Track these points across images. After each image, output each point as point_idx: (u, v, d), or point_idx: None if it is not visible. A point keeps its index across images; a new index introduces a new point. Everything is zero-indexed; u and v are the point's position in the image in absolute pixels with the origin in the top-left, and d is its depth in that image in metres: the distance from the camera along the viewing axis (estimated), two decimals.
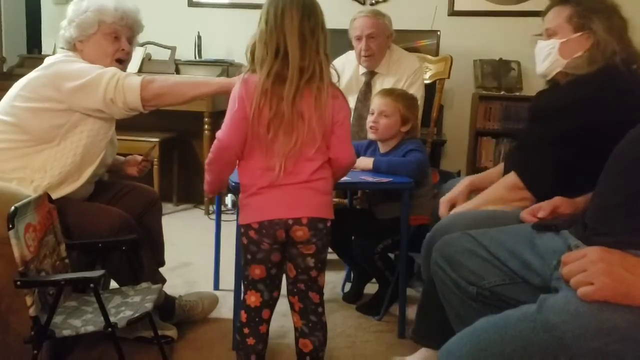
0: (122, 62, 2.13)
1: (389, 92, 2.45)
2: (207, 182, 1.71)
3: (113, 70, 1.98)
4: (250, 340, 1.67)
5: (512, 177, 1.80)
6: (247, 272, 1.66)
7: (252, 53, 1.59)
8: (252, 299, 1.67)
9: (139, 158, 2.34)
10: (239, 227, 1.69)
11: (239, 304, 2.07)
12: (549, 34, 1.87)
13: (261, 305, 1.67)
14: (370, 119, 2.40)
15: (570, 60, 1.80)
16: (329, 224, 1.64)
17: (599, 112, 1.66)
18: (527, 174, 1.78)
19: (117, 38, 2.09)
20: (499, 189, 1.83)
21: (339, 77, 1.69)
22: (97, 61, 2.06)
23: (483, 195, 1.88)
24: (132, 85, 1.94)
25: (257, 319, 1.67)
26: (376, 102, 2.40)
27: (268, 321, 1.70)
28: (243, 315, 1.69)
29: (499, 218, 1.64)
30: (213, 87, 2.06)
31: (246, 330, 1.67)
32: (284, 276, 1.72)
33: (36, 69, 2.03)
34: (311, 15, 1.56)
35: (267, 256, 1.62)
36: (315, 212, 1.60)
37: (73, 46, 2.09)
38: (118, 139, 2.27)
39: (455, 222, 1.72)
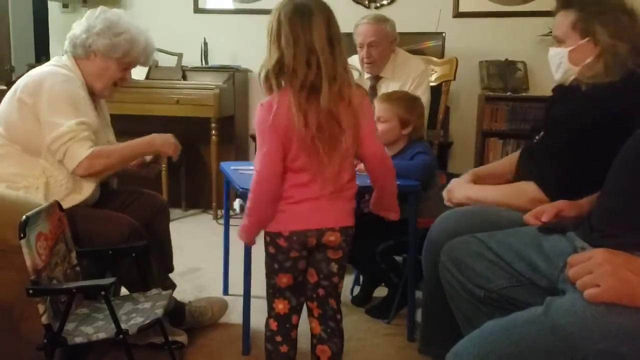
0: (116, 85, 2.17)
1: (386, 97, 2.43)
2: (246, 228, 1.60)
3: (72, 127, 1.92)
4: (284, 348, 1.66)
5: (533, 189, 1.72)
6: (273, 280, 1.64)
7: (274, 72, 1.49)
8: (280, 306, 1.66)
9: (148, 159, 2.33)
10: (265, 234, 1.63)
11: (248, 309, 2.08)
12: (558, 41, 1.80)
13: (290, 311, 1.67)
14: None
15: (583, 68, 1.73)
16: (353, 230, 1.65)
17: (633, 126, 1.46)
18: (550, 186, 1.68)
19: (127, 69, 2.15)
20: (520, 200, 1.74)
21: (360, 73, 1.66)
22: (97, 78, 2.10)
23: (494, 192, 1.83)
24: (74, 155, 1.93)
25: (287, 325, 1.67)
26: (375, 108, 2.40)
27: (297, 326, 1.70)
28: (273, 324, 1.67)
29: (503, 219, 1.64)
30: (153, 147, 2.17)
31: (278, 338, 1.66)
32: None
33: (41, 66, 2.05)
34: (332, 20, 1.51)
35: (294, 264, 1.61)
36: (346, 219, 1.61)
37: (86, 54, 2.09)
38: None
39: (460, 224, 1.73)
